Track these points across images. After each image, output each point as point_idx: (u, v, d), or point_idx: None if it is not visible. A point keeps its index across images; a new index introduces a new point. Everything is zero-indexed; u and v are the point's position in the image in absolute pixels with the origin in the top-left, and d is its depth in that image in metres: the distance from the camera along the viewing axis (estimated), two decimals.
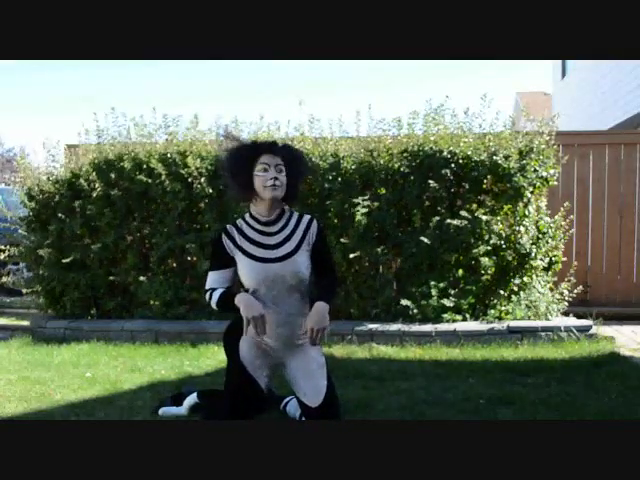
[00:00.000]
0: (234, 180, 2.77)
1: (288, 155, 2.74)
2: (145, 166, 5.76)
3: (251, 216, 2.82)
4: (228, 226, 2.84)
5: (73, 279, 5.84)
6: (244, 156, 2.71)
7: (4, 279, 6.42)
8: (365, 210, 5.32)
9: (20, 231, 6.17)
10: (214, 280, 2.83)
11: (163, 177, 5.66)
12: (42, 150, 6.18)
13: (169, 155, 5.74)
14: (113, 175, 5.80)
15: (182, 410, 3.27)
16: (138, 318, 5.79)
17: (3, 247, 6.20)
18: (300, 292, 2.79)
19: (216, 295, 2.78)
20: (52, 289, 5.95)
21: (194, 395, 3.27)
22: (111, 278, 5.81)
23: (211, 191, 5.63)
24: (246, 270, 2.77)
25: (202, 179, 5.62)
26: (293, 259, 2.73)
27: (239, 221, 2.84)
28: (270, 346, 2.86)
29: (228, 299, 2.72)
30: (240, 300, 2.64)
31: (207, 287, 2.85)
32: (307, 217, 2.85)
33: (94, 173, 5.84)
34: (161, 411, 3.30)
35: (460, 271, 5.42)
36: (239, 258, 2.79)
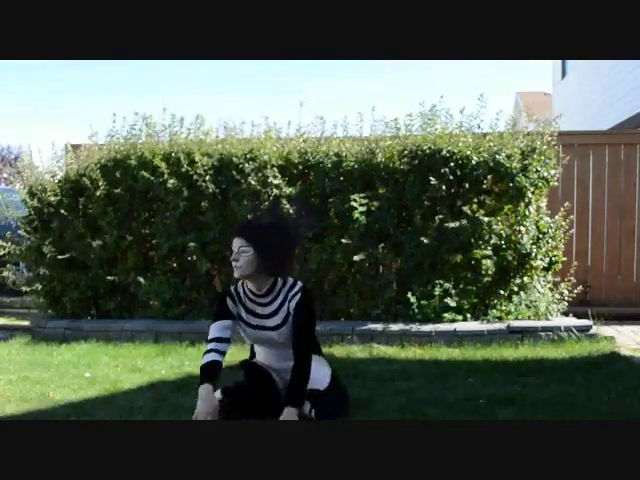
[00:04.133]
0: None
1: (252, 234, 2.94)
2: (149, 164, 5.77)
3: (247, 286, 3.08)
4: (232, 289, 3.11)
5: (73, 279, 5.85)
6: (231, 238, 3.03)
7: (5, 274, 6.41)
8: (363, 209, 5.32)
9: (20, 232, 6.16)
10: (214, 328, 3.05)
11: (166, 176, 5.66)
12: (46, 150, 6.23)
13: (173, 154, 5.75)
14: (118, 174, 5.81)
15: None
16: (138, 318, 5.79)
17: (4, 244, 6.19)
18: (290, 346, 3.05)
19: (206, 359, 2.98)
20: (52, 289, 5.96)
21: (218, 391, 3.30)
22: (111, 278, 5.81)
23: (213, 190, 5.64)
24: (243, 333, 3.13)
25: (206, 177, 5.62)
26: (281, 330, 3.02)
27: (239, 287, 3.10)
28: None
29: (200, 375, 2.95)
30: (200, 392, 2.90)
31: (209, 337, 3.05)
32: (295, 290, 3.04)
33: (98, 172, 5.85)
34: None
35: (461, 271, 5.42)
36: (238, 320, 3.10)
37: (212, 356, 2.96)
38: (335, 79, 53.04)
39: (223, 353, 2.99)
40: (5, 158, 23.23)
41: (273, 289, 3.02)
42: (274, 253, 2.94)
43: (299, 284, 3.08)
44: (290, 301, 3.00)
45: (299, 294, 3.02)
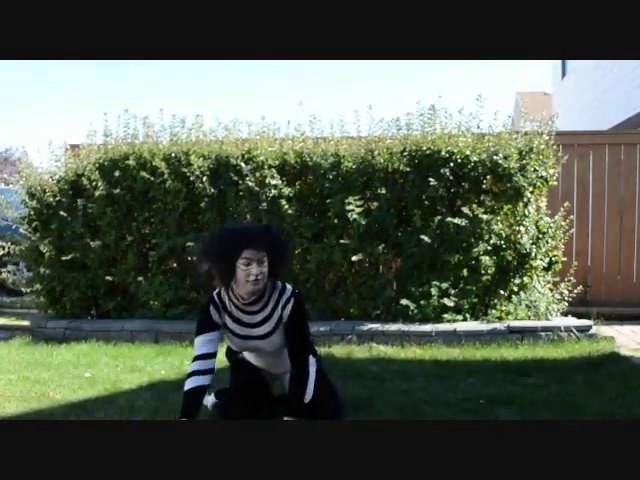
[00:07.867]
0: (215, 267, 2.78)
1: (270, 245, 2.73)
2: (149, 165, 5.77)
3: (233, 294, 2.84)
4: (215, 295, 2.89)
5: (73, 279, 5.85)
6: (227, 249, 2.71)
7: (4, 275, 6.41)
8: (360, 210, 5.32)
9: (21, 230, 6.17)
10: (198, 344, 2.86)
11: (165, 176, 5.66)
12: (44, 150, 6.23)
13: (173, 155, 5.75)
14: (117, 174, 5.81)
15: (208, 405, 3.31)
16: (138, 318, 5.79)
17: (4, 244, 6.20)
18: (279, 352, 2.97)
19: (189, 384, 2.80)
20: (52, 289, 5.96)
21: (212, 395, 3.31)
22: (111, 278, 5.81)
23: (212, 191, 5.64)
24: (230, 341, 3.02)
25: (204, 178, 5.63)
26: (271, 339, 2.89)
27: (223, 294, 2.88)
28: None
29: (182, 404, 2.79)
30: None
31: (195, 354, 2.87)
32: (286, 295, 2.85)
33: (97, 172, 5.85)
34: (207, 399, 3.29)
35: (460, 271, 5.42)
36: (224, 328, 2.95)
37: (195, 381, 2.79)
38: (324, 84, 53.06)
39: (208, 371, 2.82)
40: (8, 159, 23.15)
41: (262, 296, 2.84)
42: (282, 261, 2.80)
43: (289, 288, 2.89)
44: (283, 309, 2.84)
45: (292, 301, 2.84)
